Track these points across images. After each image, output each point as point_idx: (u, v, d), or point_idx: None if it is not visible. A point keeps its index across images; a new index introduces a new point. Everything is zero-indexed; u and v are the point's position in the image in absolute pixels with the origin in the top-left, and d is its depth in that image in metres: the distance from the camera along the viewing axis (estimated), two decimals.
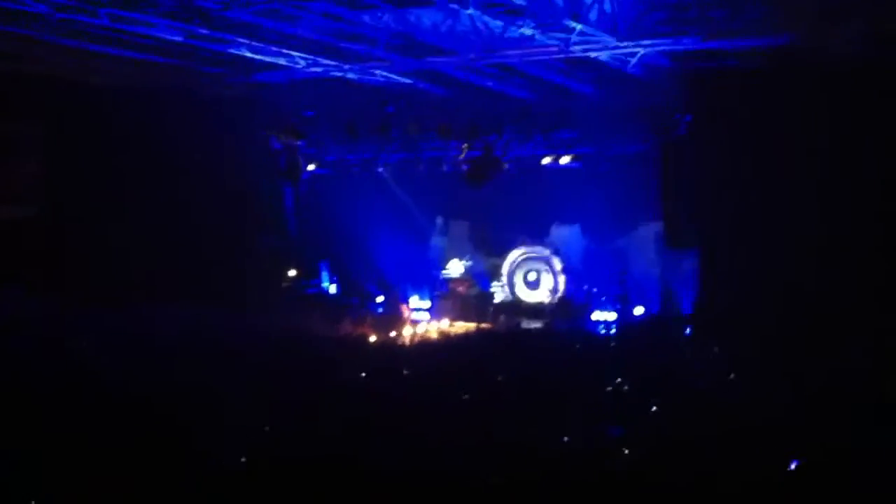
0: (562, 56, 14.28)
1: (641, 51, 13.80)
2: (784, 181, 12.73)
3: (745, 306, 13.08)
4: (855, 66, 11.97)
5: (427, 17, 13.46)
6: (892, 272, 11.84)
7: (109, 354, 11.38)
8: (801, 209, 12.57)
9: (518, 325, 18.19)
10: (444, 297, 19.52)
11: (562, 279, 19.02)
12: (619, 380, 10.60)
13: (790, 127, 12.52)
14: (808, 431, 7.25)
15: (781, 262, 12.75)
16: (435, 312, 19.20)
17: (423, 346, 16.35)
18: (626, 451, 7.47)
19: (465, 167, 19.26)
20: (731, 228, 13.43)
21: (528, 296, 19.32)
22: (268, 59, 15.33)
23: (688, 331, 14.90)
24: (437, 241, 21.32)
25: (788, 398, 8.59)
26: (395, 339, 17.20)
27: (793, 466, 6.69)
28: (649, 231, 17.76)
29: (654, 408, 9.13)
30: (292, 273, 20.85)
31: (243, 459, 7.14)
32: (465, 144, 18.93)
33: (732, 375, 10.82)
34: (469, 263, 20.00)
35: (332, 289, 21.14)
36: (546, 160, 18.66)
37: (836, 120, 12.25)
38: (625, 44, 13.29)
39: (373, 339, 16.45)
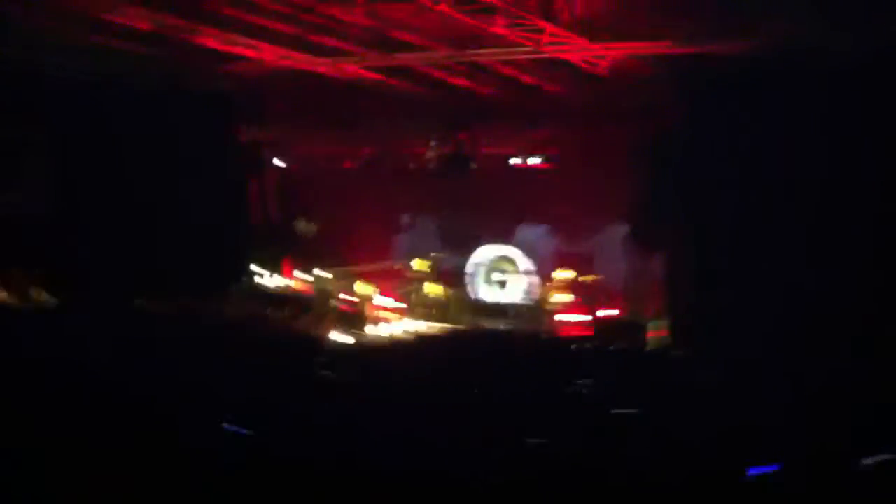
0: (533, 56, 14.31)
1: (613, 52, 13.87)
2: (756, 181, 12.72)
3: (713, 308, 13.09)
4: (839, 72, 11.99)
5: (399, 13, 13.40)
6: (888, 275, 11.80)
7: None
8: (787, 210, 12.52)
9: (482, 326, 18.15)
10: (408, 295, 19.39)
11: (527, 280, 18.99)
12: (581, 381, 10.56)
13: (768, 130, 12.53)
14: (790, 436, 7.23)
15: (760, 262, 12.74)
16: (398, 312, 19.08)
17: (387, 345, 16.25)
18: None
19: (432, 164, 19.24)
20: (700, 231, 13.44)
21: (492, 296, 19.27)
22: (236, 49, 15.15)
23: (650, 334, 14.91)
24: (403, 237, 21.24)
25: (759, 399, 8.59)
26: (359, 336, 17.06)
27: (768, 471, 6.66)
28: (617, 233, 17.83)
29: (616, 410, 9.08)
30: (254, 268, 20.62)
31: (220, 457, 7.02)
32: (434, 141, 18.92)
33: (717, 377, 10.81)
34: (433, 262, 19.89)
35: (297, 284, 20.96)
36: (515, 160, 18.68)
37: (817, 118, 12.22)
38: (597, 45, 13.33)
39: (335, 336, 16.29)
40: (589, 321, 17.28)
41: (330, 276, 20.90)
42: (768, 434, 7.20)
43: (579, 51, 13.83)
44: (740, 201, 13.02)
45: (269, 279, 20.86)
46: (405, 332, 17.86)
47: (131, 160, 16.35)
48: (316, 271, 21.38)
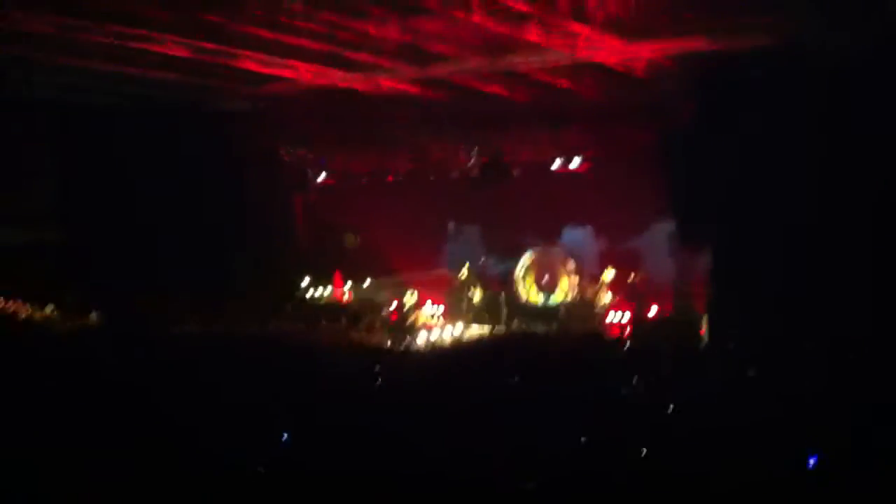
0: (569, 62, 14.32)
1: (647, 53, 13.83)
2: (795, 175, 12.65)
3: (760, 303, 13.01)
4: (860, 62, 11.92)
5: (431, 25, 13.52)
6: None
7: (124, 364, 11.43)
8: (815, 202, 12.47)
9: (530, 328, 18.16)
10: (457, 301, 19.49)
11: (574, 281, 18.96)
12: (634, 381, 10.56)
13: (800, 119, 12.45)
14: (823, 429, 7.20)
15: (798, 260, 12.67)
16: (449, 317, 19.17)
17: (436, 353, 16.35)
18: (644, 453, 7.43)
19: (474, 173, 19.34)
20: (744, 226, 13.36)
21: (541, 299, 19.27)
22: (274, 71, 15.42)
23: (702, 330, 14.80)
24: (448, 246, 21.34)
25: (802, 396, 8.54)
26: (408, 345, 17.19)
27: (811, 463, 6.65)
28: (662, 231, 17.71)
29: (670, 409, 9.08)
30: (304, 283, 20.93)
31: (259, 469, 7.17)
32: (474, 150, 19.02)
33: (751, 373, 10.76)
34: (480, 268, 19.97)
35: (346, 297, 21.20)
36: (555, 164, 18.71)
37: (847, 113, 12.16)
38: (629, 46, 13.31)
39: (387, 345, 16.45)
40: (639, 320, 17.20)
41: (379, 286, 21.12)
42: (783, 432, 7.21)
43: (615, 52, 13.80)
44: (752, 199, 13.01)
45: (320, 293, 21.17)
46: (455, 337, 17.96)
47: (171, 187, 16.73)
48: (365, 283, 21.64)
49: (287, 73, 15.66)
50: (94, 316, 15.88)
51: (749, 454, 7.08)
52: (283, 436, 8.18)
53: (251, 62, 14.70)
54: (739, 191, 13.29)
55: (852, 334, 11.18)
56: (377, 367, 12.29)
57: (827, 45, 11.84)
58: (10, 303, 16.35)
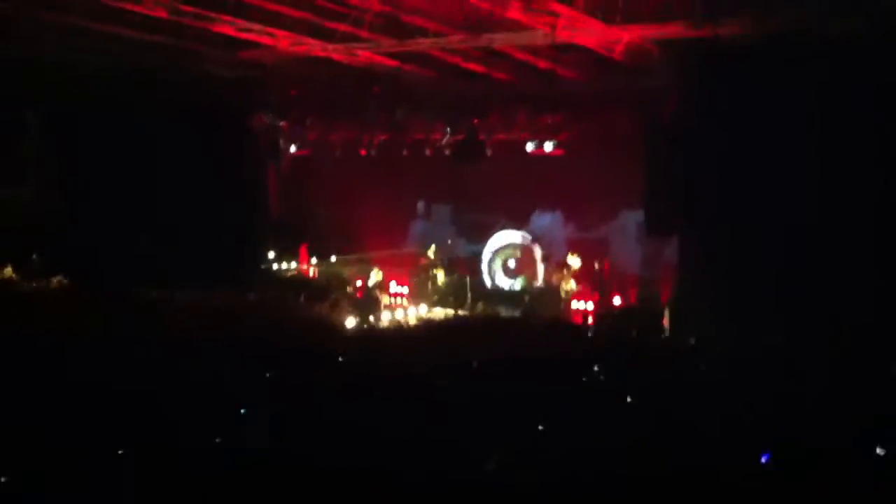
0: (548, 41, 14.25)
1: (628, 36, 13.80)
2: (773, 168, 12.65)
3: (724, 298, 13.05)
4: (850, 48, 11.91)
5: None
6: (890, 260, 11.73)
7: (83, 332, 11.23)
8: (792, 197, 12.47)
9: (495, 312, 18.14)
10: (423, 282, 19.41)
11: (541, 267, 18.96)
12: (595, 369, 10.57)
13: (780, 112, 12.44)
14: (782, 425, 7.24)
15: (766, 250, 12.70)
16: (413, 298, 19.10)
17: (401, 332, 16.27)
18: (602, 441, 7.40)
19: (448, 151, 19.23)
20: (714, 216, 13.38)
21: (507, 283, 19.26)
22: (252, 37, 15.19)
23: (665, 321, 14.86)
24: (417, 225, 21.24)
25: (762, 393, 8.58)
26: (372, 324, 17.10)
27: (763, 459, 6.67)
28: (631, 219, 17.75)
29: (629, 399, 9.09)
30: (271, 254, 20.73)
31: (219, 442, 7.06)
32: (449, 128, 18.90)
33: (703, 368, 10.82)
34: (448, 249, 19.88)
35: (311, 271, 21.04)
36: (530, 146, 18.64)
37: (827, 102, 12.15)
38: (610, 28, 13.27)
39: (350, 323, 16.34)
40: (602, 309, 17.24)
41: (345, 263, 20.99)
42: (769, 423, 7.23)
43: (595, 34, 13.75)
44: (726, 189, 13.02)
45: (285, 266, 20.99)
46: (419, 318, 17.90)
47: (146, 149, 16.46)
48: (332, 258, 21.49)
49: (265, 40, 15.46)
50: (56, 280, 15.57)
51: (702, 447, 7.11)
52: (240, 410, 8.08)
53: (229, 27, 14.49)
54: (711, 183, 13.29)
55: (821, 330, 11.23)
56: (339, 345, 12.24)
57: (822, 32, 11.82)
58: None
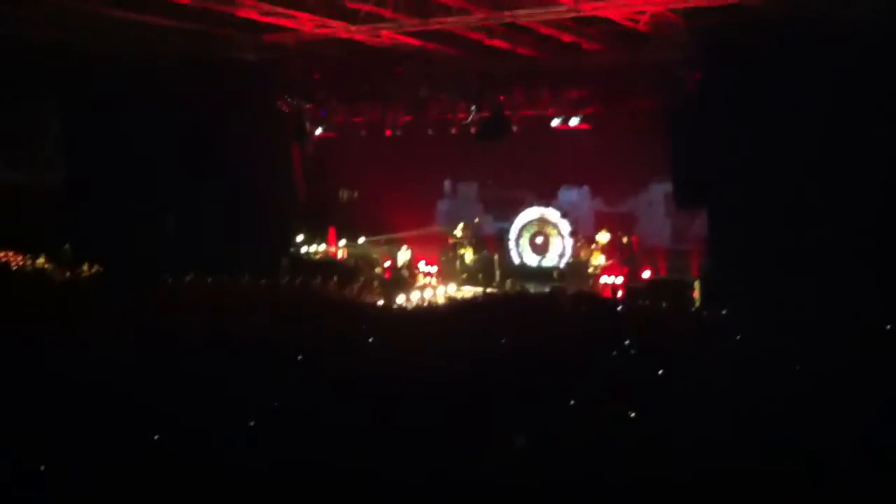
0: (572, 14, 14.16)
1: (652, 8, 13.67)
2: (796, 140, 12.55)
3: (755, 269, 12.98)
4: (870, 23, 11.78)
5: None
6: None
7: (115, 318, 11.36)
8: (814, 171, 12.40)
9: (525, 289, 18.15)
10: (451, 261, 19.46)
11: (569, 242, 18.93)
12: (626, 342, 10.54)
13: (802, 85, 12.33)
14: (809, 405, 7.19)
15: (794, 223, 12.62)
16: (442, 277, 19.16)
17: (429, 311, 16.32)
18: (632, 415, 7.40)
19: (473, 129, 19.19)
20: (742, 188, 13.29)
21: (535, 259, 19.26)
22: (275, 20, 15.23)
23: (696, 293, 14.80)
24: (444, 204, 21.27)
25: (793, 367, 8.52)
26: (402, 304, 17.18)
27: None
28: (659, 192, 17.66)
29: (661, 372, 9.06)
30: (300, 237, 20.86)
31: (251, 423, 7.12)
32: (474, 106, 18.85)
33: (739, 337, 10.74)
34: (475, 227, 19.90)
35: (340, 253, 21.16)
36: (555, 122, 18.56)
37: (849, 78, 12.05)
38: (635, 1, 13.16)
39: (380, 303, 16.43)
40: (632, 283, 17.20)
41: (373, 244, 21.08)
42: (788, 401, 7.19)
43: (619, 6, 13.64)
44: (752, 162, 12.91)
45: (314, 248, 21.12)
46: (449, 296, 17.95)
47: (172, 135, 16.56)
48: (360, 239, 21.59)
49: (288, 23, 15.47)
50: (86, 267, 15.76)
51: (736, 423, 7.07)
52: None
53: (253, 11, 14.51)
54: (740, 156, 13.19)
55: (850, 307, 11.13)
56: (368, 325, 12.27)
57: (842, 12, 11.68)
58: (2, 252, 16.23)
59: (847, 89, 12.05)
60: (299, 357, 9.79)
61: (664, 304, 14.44)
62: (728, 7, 13.04)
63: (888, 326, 9.79)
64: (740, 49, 13.13)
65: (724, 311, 12.87)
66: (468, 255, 19.29)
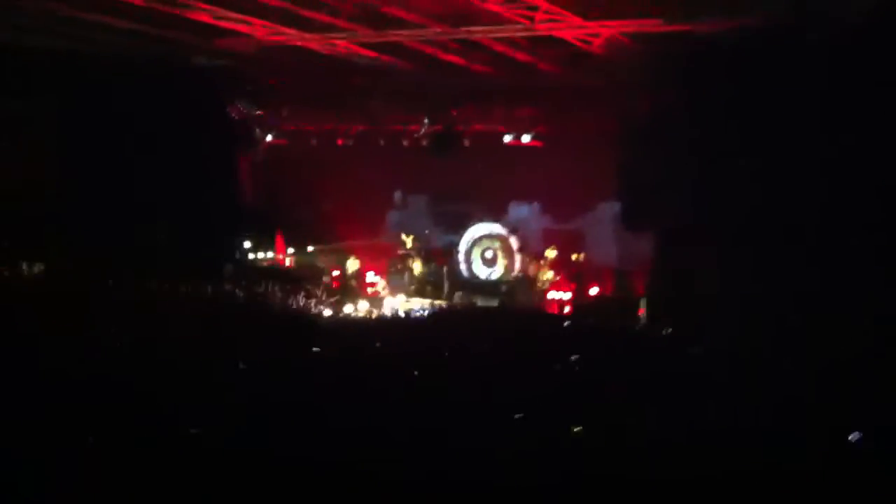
0: (527, 34, 14.30)
1: (605, 31, 13.87)
2: (745, 163, 12.78)
3: (701, 288, 13.19)
4: (821, 48, 12.04)
5: None
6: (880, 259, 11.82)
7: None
8: (762, 191, 12.61)
9: (473, 302, 18.23)
10: (399, 272, 19.44)
11: (518, 258, 19.05)
12: (572, 357, 10.64)
13: (751, 107, 12.58)
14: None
15: (740, 245, 12.83)
16: (390, 288, 19.13)
17: (377, 322, 16.30)
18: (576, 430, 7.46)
19: (425, 141, 19.25)
20: (689, 210, 13.50)
21: (484, 273, 19.34)
22: (229, 25, 15.09)
23: (641, 311, 15.00)
24: (394, 215, 21.24)
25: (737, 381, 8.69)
26: (348, 314, 17.12)
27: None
28: (607, 212, 17.86)
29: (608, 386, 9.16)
30: (247, 244, 20.65)
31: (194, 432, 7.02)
32: (427, 119, 18.91)
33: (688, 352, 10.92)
34: (424, 239, 19.92)
35: (288, 261, 20.99)
36: (507, 138, 18.71)
37: (801, 101, 12.28)
38: (589, 23, 13.33)
39: (327, 313, 16.34)
40: (579, 299, 17.38)
41: (322, 253, 20.96)
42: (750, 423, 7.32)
43: (573, 28, 13.81)
44: (702, 184, 13.15)
45: (262, 255, 20.92)
46: (395, 308, 17.93)
47: (119, 137, 16.30)
48: (308, 248, 21.45)
49: (242, 29, 15.34)
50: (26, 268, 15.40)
51: (679, 434, 7.18)
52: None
53: (205, 14, 14.35)
54: (688, 178, 13.40)
55: (798, 324, 11.35)
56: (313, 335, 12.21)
57: (796, 29, 11.94)
58: None
59: (799, 108, 12.24)
60: (241, 366, 9.72)
61: (610, 322, 14.67)
62: (680, 33, 13.28)
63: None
64: (691, 73, 13.37)
65: (668, 330, 13.12)
66: (417, 266, 19.29)
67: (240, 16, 14.44)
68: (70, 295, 12.90)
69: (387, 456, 6.42)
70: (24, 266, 15.42)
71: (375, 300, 18.47)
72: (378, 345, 12.23)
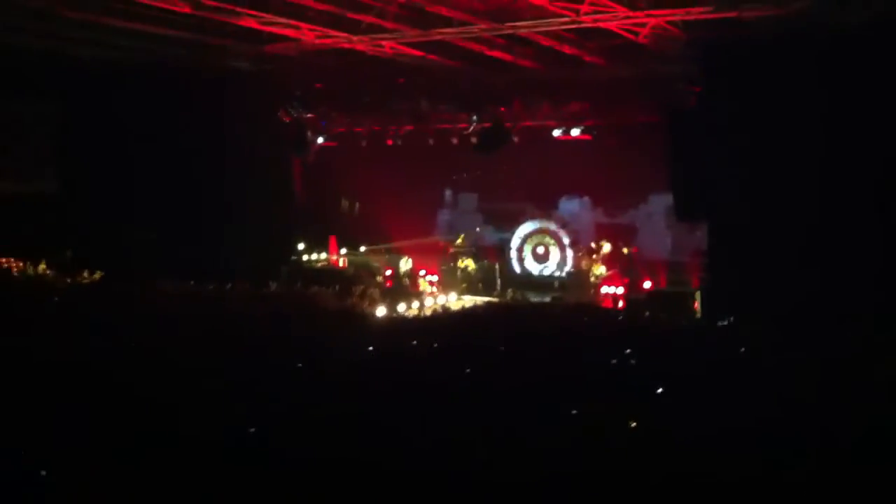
0: (572, 26, 14.21)
1: (652, 20, 13.73)
2: (796, 153, 12.60)
3: (756, 280, 13.00)
4: (868, 36, 11.83)
5: None
6: None
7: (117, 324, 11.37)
8: (814, 180, 12.42)
9: (526, 298, 18.16)
10: (451, 270, 19.48)
11: (570, 253, 18.96)
12: (627, 351, 10.54)
13: (802, 97, 12.39)
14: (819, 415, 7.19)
15: (794, 234, 12.64)
16: (443, 287, 19.17)
17: (430, 321, 16.32)
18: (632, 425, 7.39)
19: (474, 139, 19.24)
20: (742, 201, 13.32)
21: (536, 269, 19.28)
22: (276, 30, 15.28)
23: (696, 305, 14.81)
24: (445, 214, 21.30)
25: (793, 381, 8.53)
26: (402, 313, 17.18)
27: None
28: (659, 204, 17.69)
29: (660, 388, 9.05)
30: (301, 246, 20.88)
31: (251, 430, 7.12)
32: (475, 116, 18.91)
33: (742, 350, 10.74)
34: (476, 236, 19.95)
35: (341, 262, 21.18)
36: (556, 132, 18.61)
37: (849, 87, 12.08)
38: (635, 13, 13.21)
39: (380, 312, 16.42)
40: (633, 293, 17.21)
41: (374, 253, 21.11)
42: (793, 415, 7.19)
43: (619, 19, 13.69)
44: (752, 173, 12.95)
45: (315, 257, 21.15)
46: (449, 306, 17.96)
47: (172, 144, 16.61)
48: (361, 248, 21.62)
49: (289, 33, 15.52)
50: (86, 273, 15.77)
51: (736, 434, 7.07)
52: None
53: (253, 20, 14.55)
54: (740, 168, 13.22)
55: (853, 318, 11.13)
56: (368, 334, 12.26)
57: (844, 19, 11.73)
58: (3, 259, 16.24)
59: (847, 98, 12.09)
60: (299, 365, 9.82)
61: (666, 316, 14.49)
62: (727, 20, 13.08)
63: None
64: (739, 61, 13.19)
65: (725, 323, 12.93)
66: (469, 264, 19.30)
67: (287, 20, 14.61)
68: (127, 297, 13.18)
69: (442, 453, 6.44)
70: (86, 273, 15.79)
71: (428, 298, 18.52)
72: (433, 343, 12.26)
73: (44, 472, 5.77)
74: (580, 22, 13.70)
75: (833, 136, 12.21)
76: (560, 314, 15.74)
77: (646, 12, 13.21)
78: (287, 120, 20.03)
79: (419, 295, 18.63)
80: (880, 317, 11.08)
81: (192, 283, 15.14)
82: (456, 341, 12.22)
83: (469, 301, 18.32)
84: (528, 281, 19.03)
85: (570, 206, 19.81)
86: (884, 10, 11.70)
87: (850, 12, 11.82)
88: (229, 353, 9.77)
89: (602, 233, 18.91)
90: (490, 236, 20.27)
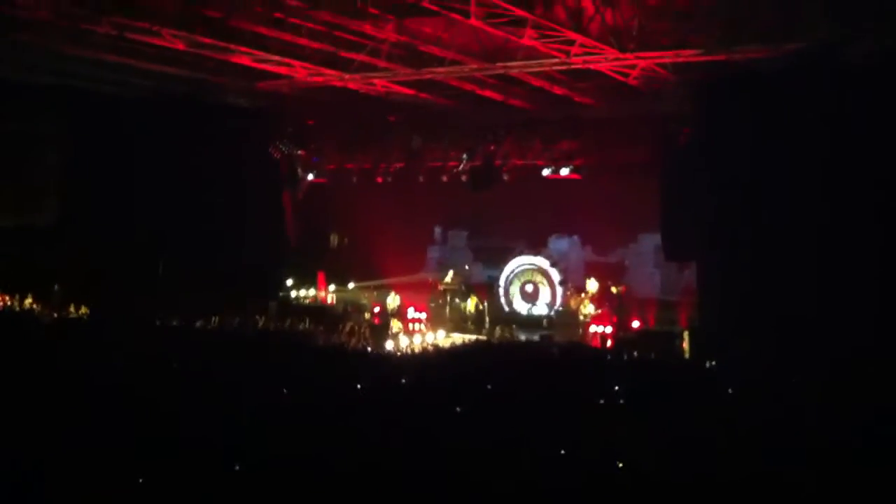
0: (563, 67, 14.39)
1: (642, 62, 13.91)
2: (787, 191, 12.70)
3: (744, 320, 13.03)
4: (861, 75, 11.98)
5: (428, 28, 13.56)
6: None
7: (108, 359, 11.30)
8: (806, 221, 12.49)
9: (515, 337, 18.12)
10: (440, 307, 19.45)
11: (559, 291, 18.97)
12: (616, 388, 10.55)
13: (793, 136, 12.51)
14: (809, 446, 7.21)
15: (784, 275, 12.70)
16: (431, 323, 19.11)
17: (418, 358, 16.26)
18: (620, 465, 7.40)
19: (464, 177, 19.35)
20: (733, 240, 13.40)
21: (525, 308, 19.28)
22: (270, 67, 15.41)
23: (685, 344, 14.82)
24: (434, 251, 21.32)
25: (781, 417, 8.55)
26: (391, 350, 17.11)
27: None
28: (649, 243, 17.77)
29: (648, 421, 9.06)
30: (289, 282, 20.85)
31: (237, 467, 7.10)
32: (465, 154, 19.04)
33: (730, 391, 10.76)
34: (465, 274, 19.94)
35: (330, 298, 21.14)
36: (546, 171, 18.74)
37: (841, 131, 12.21)
38: (625, 55, 13.39)
39: (369, 349, 16.35)
40: (621, 332, 17.21)
41: (363, 289, 21.07)
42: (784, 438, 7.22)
43: (609, 61, 13.87)
44: (743, 213, 13.03)
45: (304, 293, 21.10)
46: (437, 343, 17.89)
47: (164, 178, 16.66)
48: (350, 285, 21.59)
49: (283, 71, 15.66)
50: (72, 308, 15.70)
51: (725, 467, 7.08)
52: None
53: (247, 58, 14.69)
54: (729, 209, 13.32)
55: (844, 357, 11.16)
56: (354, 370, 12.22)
57: (837, 57, 11.90)
58: None
59: (840, 139, 12.18)
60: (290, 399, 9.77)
61: (652, 355, 14.48)
62: (717, 62, 13.27)
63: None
64: (729, 103, 13.34)
65: (713, 363, 12.93)
66: (469, 304, 19.22)
67: (280, 58, 14.75)
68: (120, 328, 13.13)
69: (429, 490, 6.43)
70: (73, 308, 15.73)
71: (416, 335, 18.45)
72: (419, 380, 12.21)
73: None
74: (570, 63, 13.87)
75: (826, 176, 12.31)
76: (546, 352, 15.76)
77: (635, 55, 13.39)
78: (278, 156, 20.12)
79: (407, 332, 18.58)
80: (874, 357, 11.10)
81: (179, 317, 15.10)
82: (443, 379, 12.22)
83: (458, 338, 18.26)
84: (516, 319, 19.00)
85: (559, 244, 19.87)
86: (876, 48, 11.85)
87: (842, 52, 11.99)
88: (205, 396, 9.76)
89: (591, 271, 18.96)
90: (479, 273, 20.26)
